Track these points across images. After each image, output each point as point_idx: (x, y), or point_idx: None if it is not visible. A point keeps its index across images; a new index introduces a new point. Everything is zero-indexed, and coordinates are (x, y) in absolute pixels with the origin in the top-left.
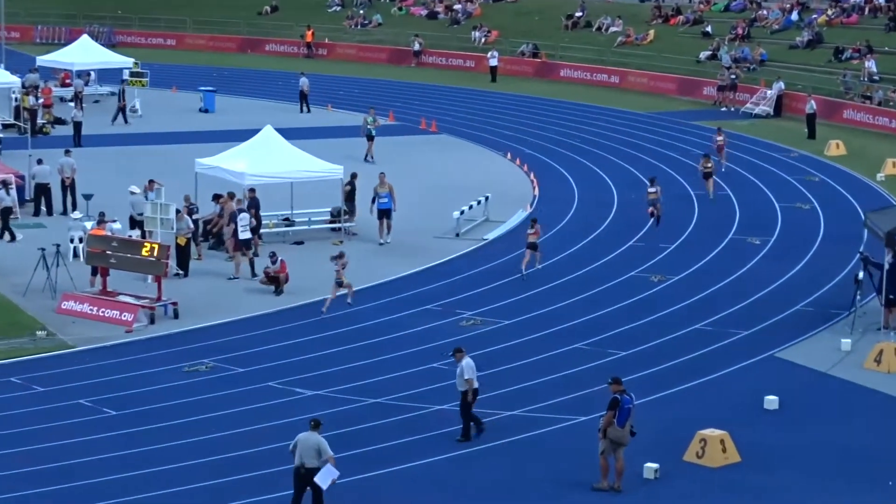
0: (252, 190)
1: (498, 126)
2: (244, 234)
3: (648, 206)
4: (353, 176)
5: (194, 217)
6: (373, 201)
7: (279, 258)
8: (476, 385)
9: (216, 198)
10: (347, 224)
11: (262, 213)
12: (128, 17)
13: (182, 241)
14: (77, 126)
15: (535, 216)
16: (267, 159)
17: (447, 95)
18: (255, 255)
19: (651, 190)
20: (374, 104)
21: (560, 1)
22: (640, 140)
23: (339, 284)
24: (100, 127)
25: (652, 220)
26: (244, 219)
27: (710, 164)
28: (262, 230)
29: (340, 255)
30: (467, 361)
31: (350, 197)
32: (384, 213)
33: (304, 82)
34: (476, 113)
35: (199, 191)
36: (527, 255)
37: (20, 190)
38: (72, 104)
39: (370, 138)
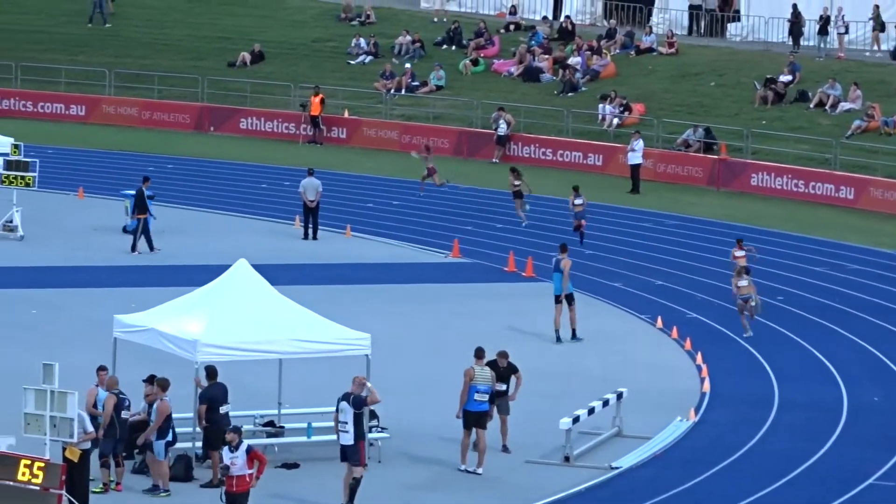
0: (211, 372)
1: (641, 271)
2: (346, 440)
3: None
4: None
5: (124, 415)
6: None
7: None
8: None
9: (155, 384)
10: (379, 435)
11: (230, 413)
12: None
13: (73, 456)
14: None
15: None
16: (238, 319)
17: (552, 214)
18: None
19: (577, 202)
20: (426, 226)
21: (752, 54)
22: (891, 300)
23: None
24: None
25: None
26: (344, 414)
27: (518, 182)
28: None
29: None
30: None
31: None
32: (480, 420)
33: (309, 186)
34: (603, 246)
35: (119, 369)
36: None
37: None
38: None
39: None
